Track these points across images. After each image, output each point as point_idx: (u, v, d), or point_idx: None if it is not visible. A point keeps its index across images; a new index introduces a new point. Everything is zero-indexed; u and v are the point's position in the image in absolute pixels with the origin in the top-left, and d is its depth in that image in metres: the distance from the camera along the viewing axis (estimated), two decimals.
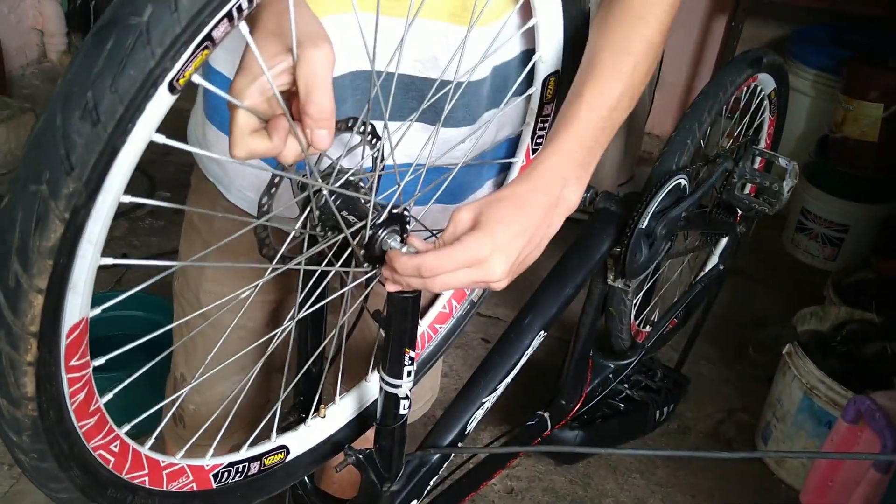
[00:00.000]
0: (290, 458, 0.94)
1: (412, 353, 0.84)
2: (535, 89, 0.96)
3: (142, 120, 0.51)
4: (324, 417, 0.97)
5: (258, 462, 0.90)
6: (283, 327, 0.86)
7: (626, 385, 1.81)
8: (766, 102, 1.56)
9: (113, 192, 0.53)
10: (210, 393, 1.11)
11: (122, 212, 2.64)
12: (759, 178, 1.49)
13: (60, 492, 0.64)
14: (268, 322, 1.12)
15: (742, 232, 1.69)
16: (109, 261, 0.58)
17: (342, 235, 0.76)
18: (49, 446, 0.59)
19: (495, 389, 1.11)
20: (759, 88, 1.52)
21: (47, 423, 0.58)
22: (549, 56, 0.93)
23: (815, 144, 2.83)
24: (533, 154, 1.02)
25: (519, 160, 1.03)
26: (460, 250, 0.71)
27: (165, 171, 2.90)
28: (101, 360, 0.64)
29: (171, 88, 0.51)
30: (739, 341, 2.40)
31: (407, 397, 0.88)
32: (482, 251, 0.72)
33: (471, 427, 1.10)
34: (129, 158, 0.52)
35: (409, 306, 0.81)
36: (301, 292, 0.83)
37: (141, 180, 2.84)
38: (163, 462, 0.77)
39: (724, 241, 1.72)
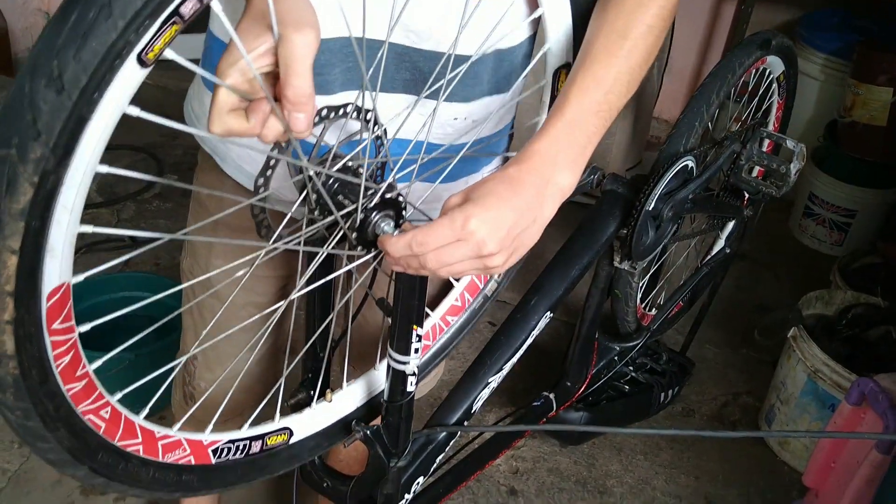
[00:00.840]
0: (293, 440, 0.95)
1: (419, 331, 0.85)
2: (546, 82, 0.95)
3: (110, 91, 0.53)
4: (330, 402, 0.98)
5: (260, 441, 0.91)
6: (280, 304, 0.86)
7: (631, 367, 1.82)
8: (774, 85, 1.56)
9: (85, 160, 0.55)
10: (221, 370, 1.12)
11: (130, 194, 2.65)
12: (767, 161, 1.49)
13: (48, 452, 0.65)
14: (278, 298, 1.13)
15: (749, 215, 1.69)
16: (89, 228, 0.60)
17: (331, 218, 0.77)
18: (33, 405, 0.61)
19: (501, 369, 1.13)
20: (767, 71, 1.51)
21: (30, 382, 0.60)
22: (557, 48, 0.92)
23: (824, 129, 2.82)
24: None
25: None
26: (447, 222, 0.72)
27: (173, 154, 2.91)
28: (86, 327, 0.66)
29: (141, 62, 0.53)
30: (745, 325, 2.40)
31: (414, 374, 0.89)
32: (469, 223, 0.71)
33: (477, 406, 1.11)
34: (101, 128, 0.54)
35: (415, 283, 0.81)
36: (301, 272, 0.84)
37: (149, 163, 2.84)
38: (158, 433, 0.78)
39: (730, 225, 1.73)
